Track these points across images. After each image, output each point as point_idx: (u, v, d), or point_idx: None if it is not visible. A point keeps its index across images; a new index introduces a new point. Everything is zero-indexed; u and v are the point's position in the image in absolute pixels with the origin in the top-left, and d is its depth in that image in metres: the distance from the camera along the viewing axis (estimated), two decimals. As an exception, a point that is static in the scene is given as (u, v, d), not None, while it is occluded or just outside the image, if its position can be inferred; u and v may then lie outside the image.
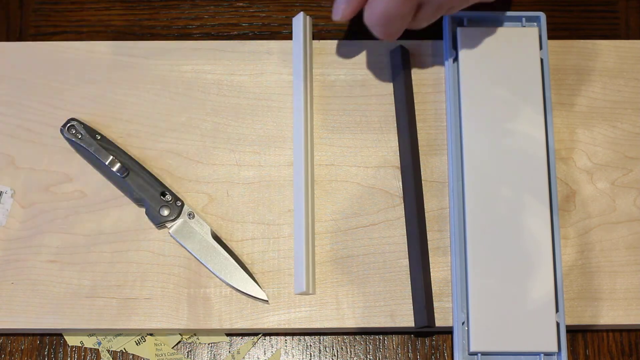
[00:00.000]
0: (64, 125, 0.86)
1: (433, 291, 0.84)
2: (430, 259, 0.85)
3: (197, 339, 0.86)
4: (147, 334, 0.86)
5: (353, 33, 0.95)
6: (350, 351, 0.86)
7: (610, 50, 0.90)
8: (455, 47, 0.88)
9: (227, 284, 0.84)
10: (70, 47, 0.91)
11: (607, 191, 0.87)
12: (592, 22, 0.95)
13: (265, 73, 0.90)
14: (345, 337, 0.87)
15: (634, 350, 0.87)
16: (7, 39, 0.94)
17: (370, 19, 0.75)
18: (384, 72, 0.90)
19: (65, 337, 0.86)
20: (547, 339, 0.80)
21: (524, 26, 0.88)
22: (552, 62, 0.90)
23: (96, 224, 0.86)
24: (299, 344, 0.87)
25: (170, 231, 0.85)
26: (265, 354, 0.86)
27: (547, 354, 0.81)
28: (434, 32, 0.94)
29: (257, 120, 0.89)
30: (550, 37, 0.89)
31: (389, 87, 0.89)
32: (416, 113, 0.88)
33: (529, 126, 0.85)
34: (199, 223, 0.85)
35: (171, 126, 0.89)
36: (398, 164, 0.88)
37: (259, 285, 0.84)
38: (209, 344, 0.86)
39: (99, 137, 0.86)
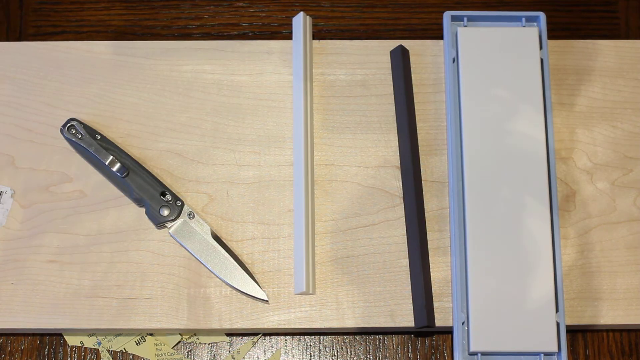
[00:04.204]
0: (64, 125, 0.86)
1: (433, 291, 0.84)
2: (430, 259, 0.85)
3: (197, 339, 0.86)
4: (147, 334, 0.86)
5: (353, 33, 0.95)
6: (350, 351, 0.86)
7: (610, 50, 0.90)
8: (455, 47, 0.88)
9: (227, 284, 0.84)
10: (70, 47, 0.91)
11: (607, 191, 0.87)
12: (592, 22, 0.95)
13: (265, 73, 0.90)
14: (345, 337, 0.87)
15: (634, 350, 0.87)
16: (7, 39, 0.94)
17: None
18: (384, 72, 0.90)
19: (65, 337, 0.86)
20: (547, 339, 0.80)
21: (524, 26, 0.88)
22: (552, 62, 0.90)
23: (96, 224, 0.86)
24: (299, 344, 0.87)
25: (170, 231, 0.85)
26: (265, 354, 0.86)
27: (547, 354, 0.81)
28: (434, 32, 0.94)
29: (257, 120, 0.89)
30: (550, 37, 0.89)
31: (389, 87, 0.89)
32: (416, 113, 0.88)
33: (529, 126, 0.85)
34: (199, 223, 0.85)
35: (171, 126, 0.89)
36: (398, 164, 0.88)
37: (259, 285, 0.84)
38: (209, 344, 0.86)
39: (99, 137, 0.86)
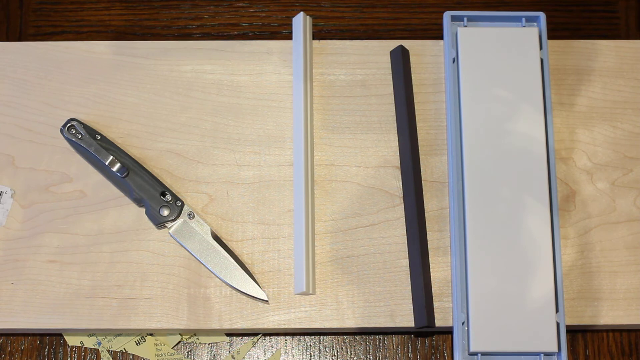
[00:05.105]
0: (64, 125, 0.86)
1: (433, 291, 0.84)
2: (430, 259, 0.85)
3: (197, 339, 0.86)
4: (147, 334, 0.86)
5: (353, 33, 0.95)
6: (350, 351, 0.86)
7: (610, 50, 0.90)
8: (455, 47, 0.88)
9: (227, 284, 0.84)
10: (70, 47, 0.91)
11: (607, 191, 0.87)
12: (592, 22, 0.95)
13: (265, 73, 0.90)
14: (345, 337, 0.87)
15: (634, 350, 0.87)
16: (7, 39, 0.94)
17: None
18: (384, 72, 0.90)
19: (65, 337, 0.86)
20: (547, 339, 0.80)
21: (524, 26, 0.88)
22: (552, 62, 0.90)
23: (96, 224, 0.86)
24: (299, 344, 0.87)
25: (170, 231, 0.85)
26: (265, 354, 0.86)
27: (547, 354, 0.81)
28: (434, 32, 0.94)
29: (257, 120, 0.89)
30: (550, 37, 0.89)
31: (389, 87, 0.89)
32: (416, 113, 0.88)
33: (529, 126, 0.85)
34: (199, 223, 0.85)
35: (171, 126, 0.89)
36: (398, 164, 0.88)
37: (259, 285, 0.84)
38: (209, 344, 0.86)
39: (99, 137, 0.86)
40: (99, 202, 0.87)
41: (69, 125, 0.86)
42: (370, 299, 0.84)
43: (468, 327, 0.81)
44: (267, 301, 0.84)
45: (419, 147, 0.88)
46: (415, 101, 0.89)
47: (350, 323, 0.84)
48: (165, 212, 0.85)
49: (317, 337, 0.87)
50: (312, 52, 0.90)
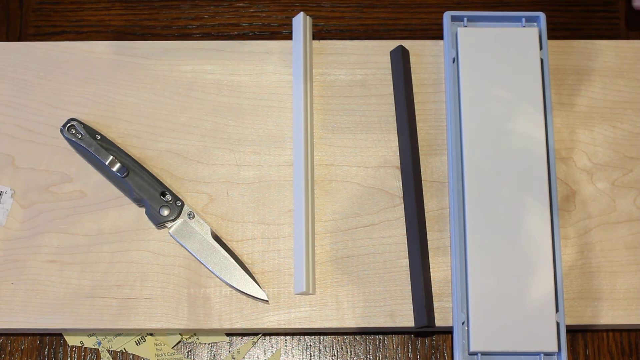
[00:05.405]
0: (64, 125, 0.86)
1: (433, 291, 0.84)
2: (430, 259, 0.85)
3: (197, 339, 0.86)
4: (147, 334, 0.86)
5: (353, 33, 0.95)
6: (350, 351, 0.86)
7: (610, 50, 0.90)
8: (455, 47, 0.88)
9: (227, 284, 0.84)
10: (70, 47, 0.91)
11: (607, 191, 0.87)
12: (592, 22, 0.95)
13: (265, 73, 0.90)
14: (345, 337, 0.87)
15: (634, 350, 0.87)
16: (7, 39, 0.94)
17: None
18: (384, 72, 0.90)
19: (65, 337, 0.86)
20: (547, 339, 0.80)
21: (524, 26, 0.88)
22: (552, 62, 0.90)
23: (96, 224, 0.86)
24: (299, 344, 0.87)
25: (170, 231, 0.85)
26: (265, 354, 0.86)
27: (547, 354, 0.81)
28: (434, 32, 0.94)
29: (257, 120, 0.89)
30: (550, 37, 0.89)
31: (389, 87, 0.89)
32: (416, 113, 0.88)
33: (529, 126, 0.85)
34: (199, 223, 0.85)
35: (171, 126, 0.89)
36: (398, 164, 0.88)
37: (259, 285, 0.84)
38: (209, 344, 0.86)
39: (99, 137, 0.86)
40: (99, 202, 0.87)
41: (69, 125, 0.86)
42: (370, 299, 0.84)
43: (468, 327, 0.81)
44: (267, 301, 0.84)
45: (419, 147, 0.88)
46: (415, 101, 0.89)
47: (350, 323, 0.84)
48: (165, 212, 0.85)
49: (317, 337, 0.87)
50: (312, 52, 0.90)
